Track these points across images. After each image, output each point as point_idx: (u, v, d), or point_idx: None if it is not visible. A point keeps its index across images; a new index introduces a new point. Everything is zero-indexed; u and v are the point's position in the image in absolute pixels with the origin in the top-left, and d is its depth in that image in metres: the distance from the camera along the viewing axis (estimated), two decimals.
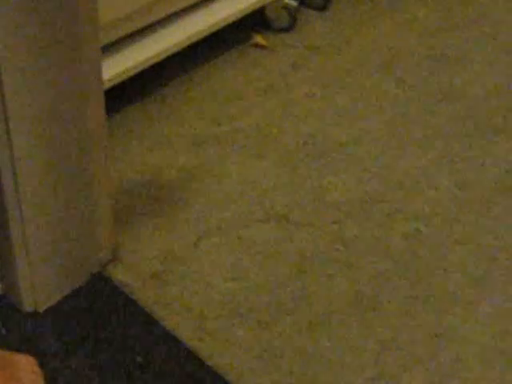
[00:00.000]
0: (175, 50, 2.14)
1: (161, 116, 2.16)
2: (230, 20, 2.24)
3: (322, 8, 2.49)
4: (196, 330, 1.61)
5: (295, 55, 2.36)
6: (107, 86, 1.99)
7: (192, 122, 2.15)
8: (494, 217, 1.91)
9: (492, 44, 2.44)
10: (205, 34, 2.19)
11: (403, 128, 2.15)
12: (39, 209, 1.50)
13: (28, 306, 1.62)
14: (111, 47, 2.06)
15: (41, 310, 1.63)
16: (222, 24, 2.23)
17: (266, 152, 2.08)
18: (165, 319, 1.63)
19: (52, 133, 1.44)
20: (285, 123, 2.16)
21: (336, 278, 1.74)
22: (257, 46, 2.37)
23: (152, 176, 1.99)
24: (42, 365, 0.96)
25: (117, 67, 2.05)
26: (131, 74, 2.07)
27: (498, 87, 2.29)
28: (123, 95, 2.16)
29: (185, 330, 1.61)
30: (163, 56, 2.12)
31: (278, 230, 1.85)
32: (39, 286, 1.60)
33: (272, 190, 1.96)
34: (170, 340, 1.59)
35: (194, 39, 2.18)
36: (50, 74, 1.39)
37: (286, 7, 2.37)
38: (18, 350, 0.95)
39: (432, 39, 2.44)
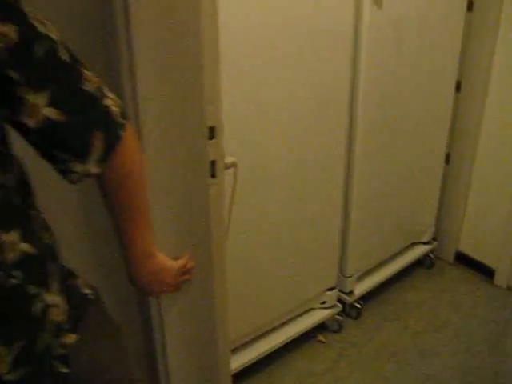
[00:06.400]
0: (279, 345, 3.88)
1: None
2: (306, 330, 4.00)
3: (356, 317, 4.26)
4: None
5: (341, 348, 4.10)
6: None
7: None
8: None
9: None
10: (294, 337, 3.94)
11: None
12: None
13: None
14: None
15: None
16: (305, 331, 3.98)
17: None
18: None
19: None
20: None
21: None
22: (319, 341, 4.11)
23: None
24: None
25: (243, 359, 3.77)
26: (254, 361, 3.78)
27: None
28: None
29: None
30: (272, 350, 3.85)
31: None
32: None
33: None
34: None
35: (288, 341, 3.92)
36: None
37: (336, 320, 4.14)
38: None
39: (419, 338, 4.19)
